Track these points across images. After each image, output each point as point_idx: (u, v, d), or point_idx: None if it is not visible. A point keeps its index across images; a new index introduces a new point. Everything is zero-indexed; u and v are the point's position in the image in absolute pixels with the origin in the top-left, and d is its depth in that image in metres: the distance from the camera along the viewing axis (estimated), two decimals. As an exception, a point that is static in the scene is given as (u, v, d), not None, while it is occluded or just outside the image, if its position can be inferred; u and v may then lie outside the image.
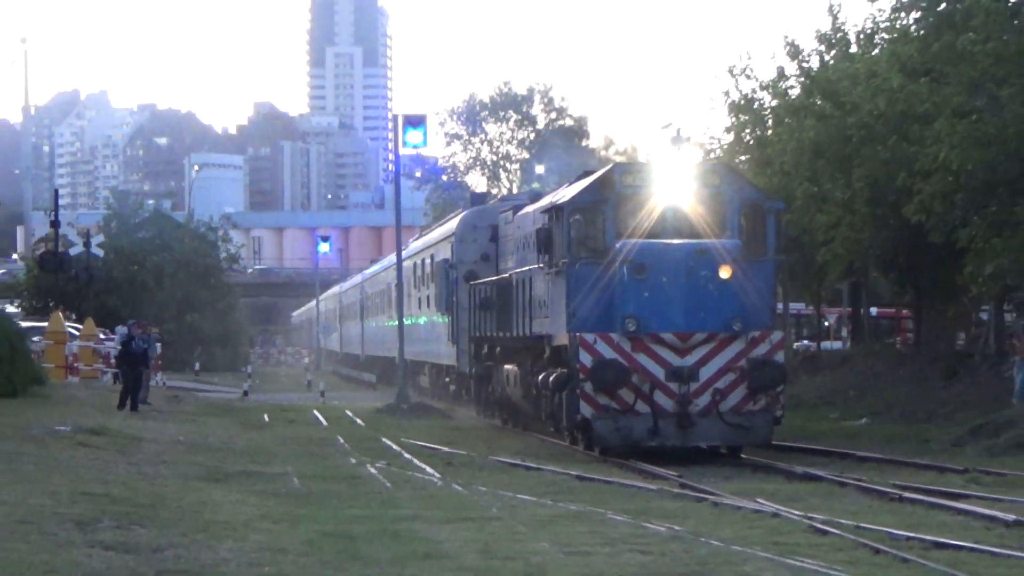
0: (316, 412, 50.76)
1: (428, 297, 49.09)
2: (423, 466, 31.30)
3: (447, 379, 47.53)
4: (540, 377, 27.62)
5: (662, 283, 24.71)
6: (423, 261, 52.20)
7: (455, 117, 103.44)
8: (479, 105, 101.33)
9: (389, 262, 63.02)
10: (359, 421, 47.28)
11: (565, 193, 28.68)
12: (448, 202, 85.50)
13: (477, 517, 22.01)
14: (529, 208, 34.93)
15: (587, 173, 35.39)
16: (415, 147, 59.31)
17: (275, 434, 40.11)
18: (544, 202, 30.69)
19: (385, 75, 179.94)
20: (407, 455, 34.04)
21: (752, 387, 24.07)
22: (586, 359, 23.50)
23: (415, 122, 56.21)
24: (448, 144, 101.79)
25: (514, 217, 36.64)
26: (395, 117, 62.63)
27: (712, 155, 59.88)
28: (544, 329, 27.98)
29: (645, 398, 23.31)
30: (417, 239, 62.18)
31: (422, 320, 50.73)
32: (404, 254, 54.32)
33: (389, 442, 37.82)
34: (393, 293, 55.23)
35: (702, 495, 24.94)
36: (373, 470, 30.02)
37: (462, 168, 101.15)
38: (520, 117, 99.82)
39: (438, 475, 29.32)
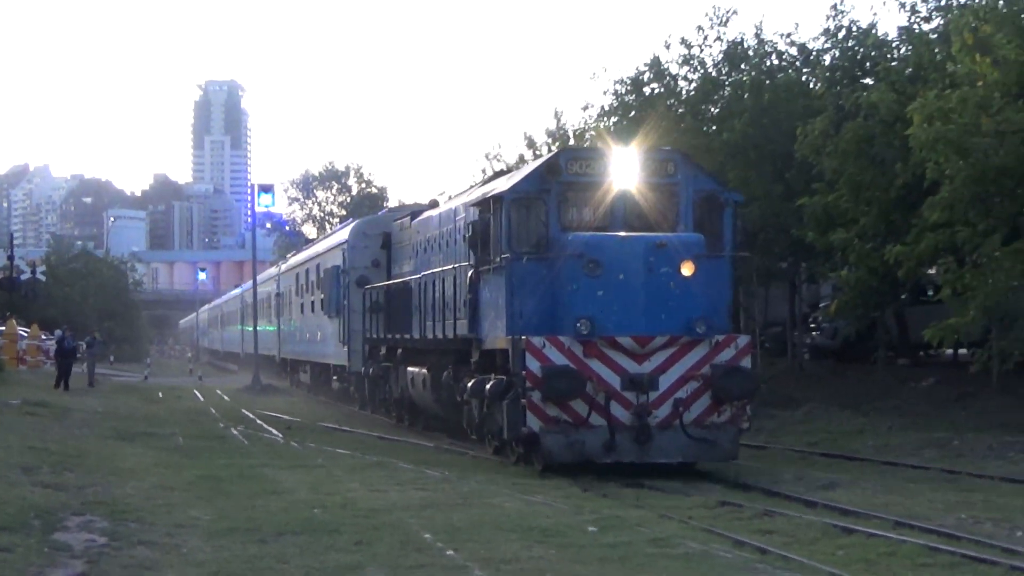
0: (196, 391, 61.58)
1: (315, 302, 48.59)
2: (270, 429, 37.27)
3: (334, 377, 46.17)
4: (469, 383, 25.16)
5: (618, 281, 21.79)
6: (307, 271, 53.44)
7: (295, 185, 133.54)
8: (311, 177, 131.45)
9: (268, 277, 77.47)
10: (226, 398, 56.55)
11: (501, 183, 25.85)
12: (289, 244, 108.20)
13: (307, 465, 26.11)
14: (432, 212, 32.65)
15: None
16: (266, 206, 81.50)
17: (166, 407, 47.60)
18: (470, 196, 28.29)
19: (246, 155, 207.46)
20: (259, 421, 40.45)
21: (717, 397, 21.51)
22: (534, 365, 21.01)
23: (266, 188, 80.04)
24: (289, 204, 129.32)
25: (412, 223, 34.39)
26: (252, 185, 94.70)
27: None
28: (470, 332, 25.50)
29: (600, 409, 20.82)
30: (296, 254, 69.94)
31: (309, 323, 51.42)
32: (288, 265, 65.51)
33: (247, 412, 44.95)
34: (272, 302, 70.08)
35: (463, 451, 29.40)
36: (235, 432, 35.73)
37: (299, 221, 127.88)
38: (339, 186, 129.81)
39: (280, 435, 34.89)
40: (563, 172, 22.96)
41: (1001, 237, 29.31)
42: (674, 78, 47.66)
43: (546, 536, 16.01)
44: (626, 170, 22.28)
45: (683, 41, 47.11)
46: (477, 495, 20.49)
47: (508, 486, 21.67)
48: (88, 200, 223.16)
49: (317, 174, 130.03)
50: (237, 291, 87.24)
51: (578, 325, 20.97)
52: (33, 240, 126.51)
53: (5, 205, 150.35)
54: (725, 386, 21.10)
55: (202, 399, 52.43)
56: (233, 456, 27.16)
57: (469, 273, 24.86)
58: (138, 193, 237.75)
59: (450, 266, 27.08)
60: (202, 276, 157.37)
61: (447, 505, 19.01)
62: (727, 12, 46.07)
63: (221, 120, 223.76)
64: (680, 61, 47.62)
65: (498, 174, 38.22)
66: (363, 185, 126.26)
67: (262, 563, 13.74)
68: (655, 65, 48.53)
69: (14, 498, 17.81)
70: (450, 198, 35.13)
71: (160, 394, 54.69)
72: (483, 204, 24.15)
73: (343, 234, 42.70)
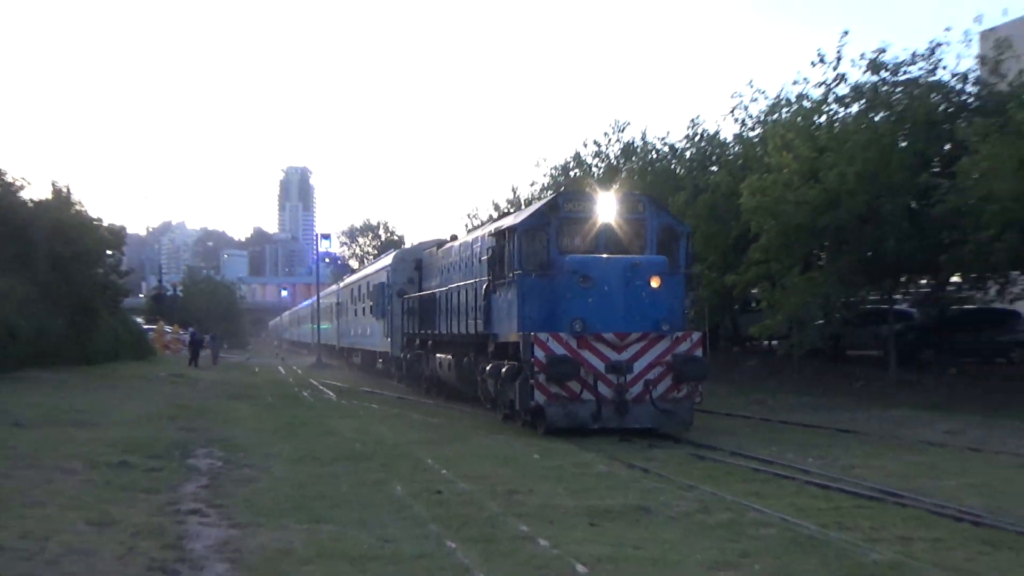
0: (280, 368, 63.92)
1: (365, 308, 47.41)
2: (328, 392, 37.98)
3: (379, 360, 45.65)
4: (487, 367, 24.04)
5: (604, 291, 20.54)
6: (359, 287, 52.66)
7: (344, 234, 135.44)
8: (355, 229, 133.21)
9: (329, 292, 75.93)
10: (299, 372, 58.39)
11: (510, 219, 24.86)
12: (340, 272, 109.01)
13: (352, 415, 27.22)
14: (451, 244, 31.44)
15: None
16: (325, 248, 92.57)
17: (261, 378, 51.01)
18: (484, 231, 26.84)
19: (312, 214, 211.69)
20: (320, 387, 41.08)
21: (677, 378, 20.36)
22: (540, 354, 19.96)
23: (325, 236, 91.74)
24: (341, 246, 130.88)
25: (437, 251, 33.45)
26: (316, 235, 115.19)
27: None
28: (486, 329, 23.99)
29: (589, 388, 19.79)
30: (349, 276, 69.96)
31: (360, 322, 50.29)
32: (344, 283, 64.14)
33: (313, 381, 45.71)
34: (333, 309, 66.66)
35: (454, 407, 29.50)
36: (305, 394, 36.42)
37: (346, 257, 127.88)
38: (372, 234, 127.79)
39: (335, 396, 35.54)
40: (561, 209, 22.02)
41: (798, 270, 33.28)
42: (589, 166, 52.06)
43: (506, 461, 16.99)
44: (608, 208, 21.47)
45: (595, 142, 52.21)
46: (462, 436, 22.03)
47: (487, 428, 23.42)
48: (210, 244, 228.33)
49: (359, 226, 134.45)
50: (307, 302, 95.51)
51: (573, 324, 20.12)
52: (175, 270, 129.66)
53: (156, 247, 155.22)
54: (683, 370, 20.17)
55: (283, 372, 56.33)
56: (303, 409, 29.01)
57: (485, 286, 24.00)
58: (242, 239, 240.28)
59: (469, 281, 26.15)
60: (284, 293, 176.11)
61: (442, 442, 20.28)
62: (623, 123, 50.36)
63: (296, 192, 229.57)
64: (592, 154, 52.56)
65: (503, 215, 40.93)
66: (388, 233, 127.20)
67: (322, 479, 14.81)
68: (576, 157, 54.34)
69: (163, 437, 19.80)
70: (468, 232, 34.84)
71: (256, 369, 59.80)
72: (499, 234, 23.23)
73: (387, 260, 42.66)
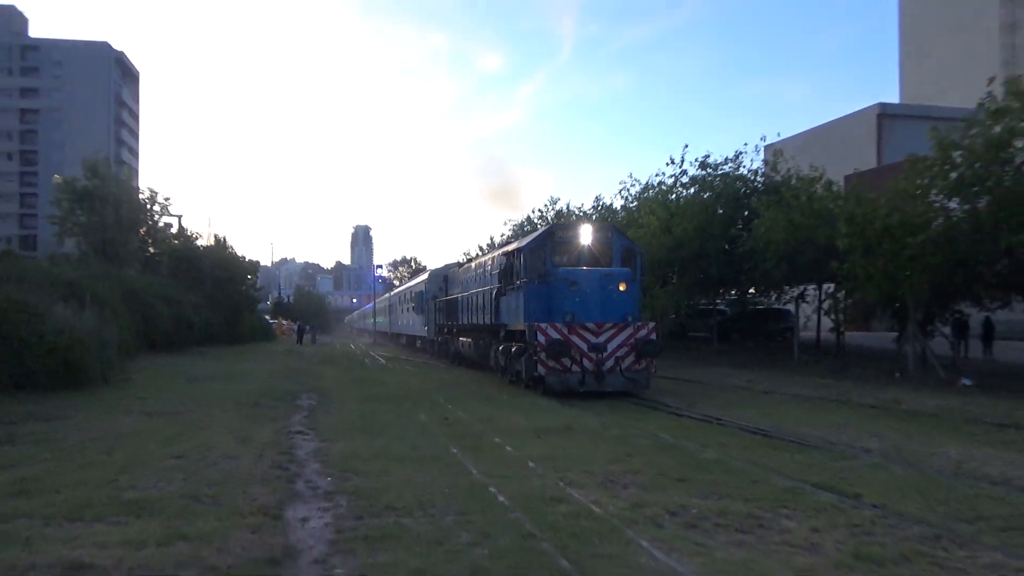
0: (352, 345, 59.74)
1: (410, 307, 43.42)
2: (380, 359, 36.56)
3: (418, 342, 41.77)
4: (500, 347, 21.58)
5: (586, 293, 18.61)
6: (404, 294, 48.61)
7: (389, 265, 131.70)
8: (397, 261, 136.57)
9: (384, 298, 69.36)
10: (364, 348, 54.81)
11: (516, 244, 22.28)
12: (389, 287, 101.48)
13: (395, 371, 27.48)
14: (468, 264, 29.12)
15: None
16: (379, 274, 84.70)
17: (340, 352, 46.59)
18: (496, 252, 24.17)
19: (372, 254, 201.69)
20: (377, 357, 38.84)
21: (638, 355, 18.20)
22: (541, 338, 17.93)
23: (379, 266, 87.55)
24: (388, 272, 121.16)
25: (459, 269, 30.69)
26: (374, 266, 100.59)
27: None
28: (498, 320, 21.56)
29: (577, 362, 17.81)
30: (396, 289, 63.36)
31: (406, 317, 45.87)
32: (394, 292, 59.36)
33: (372, 353, 43.96)
34: (387, 309, 61.25)
35: (465, 371, 27.09)
36: (366, 361, 35.19)
37: (392, 279, 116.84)
38: (406, 264, 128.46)
39: (385, 361, 34.21)
40: (555, 235, 19.77)
41: (658, 285, 33.75)
42: (536, 225, 47.72)
43: (488, 401, 16.99)
44: (587, 234, 19.36)
45: (539, 210, 49.65)
46: (463, 386, 21.10)
47: (480, 384, 21.86)
48: (310, 271, 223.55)
49: (399, 259, 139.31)
50: (368, 306, 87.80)
51: (565, 317, 18.05)
52: (288, 287, 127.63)
53: (277, 273, 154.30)
54: (643, 349, 17.91)
55: (353, 348, 52.95)
56: (364, 370, 28.38)
57: (495, 291, 21.60)
58: (329, 267, 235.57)
59: (484, 288, 23.56)
60: (354, 300, 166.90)
61: (450, 390, 19.71)
62: (556, 198, 52.24)
63: (361, 239, 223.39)
64: (538, 218, 48.69)
65: (508, 241, 38.77)
66: (416, 264, 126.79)
67: (377, 412, 14.70)
68: (528, 219, 49.68)
69: (281, 387, 19.66)
70: (479, 256, 31.29)
71: (337, 346, 56.68)
72: (509, 254, 20.88)
73: (424, 276, 39.16)
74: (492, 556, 5.93)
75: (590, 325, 18.17)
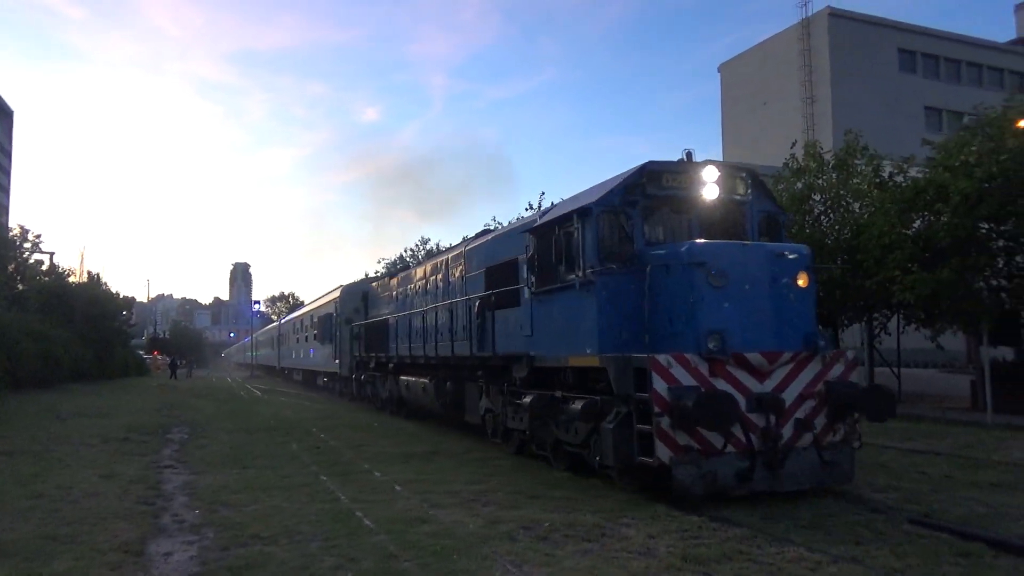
0: (229, 379, 54.73)
1: (307, 336, 33.79)
2: (257, 392, 33.83)
3: (323, 379, 31.00)
4: (527, 398, 10.48)
5: (744, 292, 8.52)
6: (301, 320, 37.85)
7: (266, 301, 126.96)
8: (274, 297, 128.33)
9: (267, 329, 62.23)
10: (240, 381, 50.81)
11: (561, 206, 10.67)
12: (267, 320, 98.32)
13: (270, 403, 25.53)
14: (411, 271, 17.98)
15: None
16: (257, 309, 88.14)
17: (216, 385, 43.48)
18: (481, 241, 13.43)
19: (251, 290, 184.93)
20: (253, 389, 36.52)
21: (832, 415, 8.55)
22: (661, 387, 7.87)
23: (256, 303, 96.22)
24: (266, 307, 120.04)
25: (389, 281, 19.99)
26: (252, 301, 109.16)
27: None
28: (485, 350, 12.05)
29: (736, 437, 8.15)
30: (286, 316, 53.61)
31: (303, 348, 35.76)
32: (285, 320, 48.71)
33: (248, 386, 40.56)
34: (273, 340, 51.46)
35: (400, 415, 19.27)
36: (242, 393, 33.23)
37: (269, 314, 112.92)
38: (283, 300, 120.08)
39: (260, 394, 31.58)
40: (650, 183, 9.71)
41: None
42: (407, 263, 42.32)
43: (359, 428, 16.20)
44: (708, 185, 9.80)
45: (410, 249, 45.64)
46: (337, 415, 19.78)
47: (355, 411, 19.85)
48: (187, 307, 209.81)
49: (277, 295, 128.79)
50: (247, 339, 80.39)
51: (707, 341, 8.34)
52: (165, 322, 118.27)
53: (154, 309, 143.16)
54: (841, 403, 8.67)
55: (230, 381, 50.01)
56: (239, 403, 26.51)
57: (478, 305, 12.35)
58: (207, 303, 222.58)
59: (450, 303, 14.02)
60: (232, 335, 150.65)
61: (323, 419, 18.68)
62: (426, 238, 47.64)
63: (240, 276, 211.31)
64: (409, 255, 44.95)
65: (393, 270, 27.73)
66: (294, 300, 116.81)
67: (250, 444, 13.99)
68: (401, 258, 44.53)
69: (152, 421, 18.17)
70: (424, 260, 20.38)
71: (214, 380, 52.44)
72: (560, 221, 9.88)
73: (334, 294, 27.95)
74: (355, 579, 5.86)
75: (754, 358, 8.50)
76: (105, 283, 46.74)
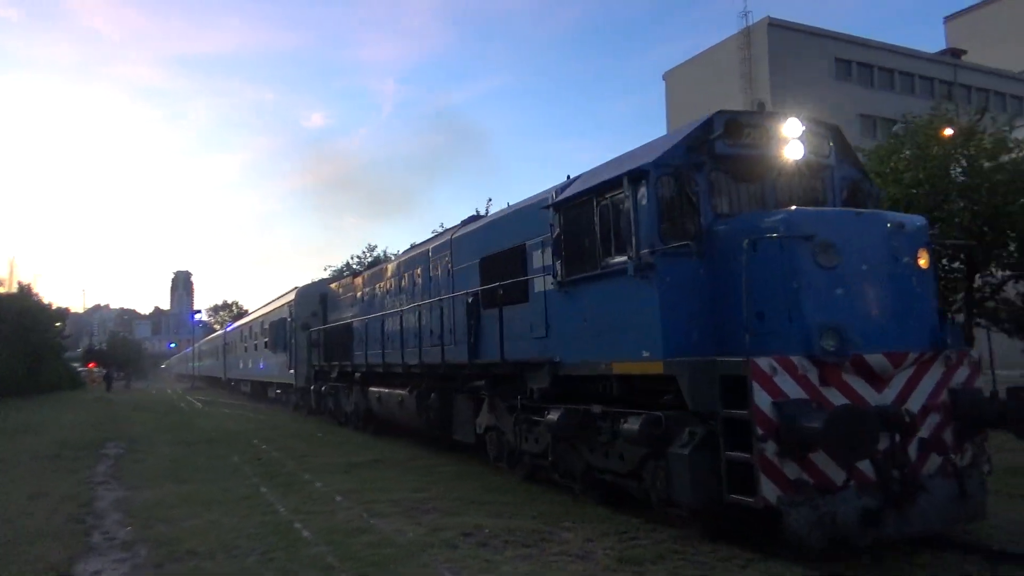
0: (168, 391, 53.13)
1: (257, 344, 30.14)
2: (197, 404, 32.48)
3: (277, 390, 27.32)
4: (551, 415, 8.06)
5: (860, 274, 5.96)
6: (251, 327, 33.22)
7: (209, 311, 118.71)
8: (217, 306, 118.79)
9: (212, 338, 56.99)
10: (181, 392, 49.21)
11: (624, 162, 7.49)
12: (208, 329, 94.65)
13: (210, 416, 24.43)
14: (369, 272, 16.47)
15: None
16: (199, 319, 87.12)
17: (155, 398, 41.56)
18: (474, 225, 11.31)
19: (192, 299, 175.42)
20: (194, 401, 34.95)
21: (959, 432, 6.09)
22: (764, 401, 5.48)
23: (197, 312, 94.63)
24: (209, 316, 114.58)
25: (353, 281, 17.65)
26: (193, 311, 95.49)
27: None
28: (478, 356, 10.05)
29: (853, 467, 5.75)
30: (233, 323, 49.67)
31: (252, 357, 31.77)
32: (232, 328, 43.49)
33: (190, 398, 38.58)
34: (218, 349, 45.92)
35: (368, 431, 16.37)
36: (182, 405, 32.05)
37: (212, 323, 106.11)
38: (226, 309, 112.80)
39: (201, 406, 30.41)
40: (719, 140, 6.92)
41: None
42: (353, 271, 39.10)
43: (302, 438, 15.85)
44: (791, 143, 7.02)
45: (357, 256, 39.50)
46: (280, 425, 19.24)
47: (292, 418, 19.51)
48: (126, 317, 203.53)
49: (220, 304, 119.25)
50: (188, 349, 77.91)
51: (819, 339, 5.83)
52: (103, 334, 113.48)
53: (91, 320, 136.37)
54: (971, 417, 6.19)
55: (170, 393, 48.01)
56: (180, 415, 25.72)
57: (470, 301, 10.36)
58: (147, 313, 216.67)
59: (425, 302, 12.16)
60: (173, 346, 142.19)
61: (265, 430, 18.15)
62: (373, 245, 44.67)
63: (182, 284, 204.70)
64: (356, 263, 39.69)
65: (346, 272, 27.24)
66: (237, 309, 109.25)
67: (189, 457, 13.59)
68: (348, 265, 38.33)
69: (86, 437, 17.33)
70: (400, 253, 17.78)
71: (153, 392, 50.51)
72: (601, 189, 7.38)
73: (289, 296, 24.93)
74: (292, 591, 5.72)
75: (875, 360, 6.25)
76: (37, 294, 45.11)
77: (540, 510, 8.08)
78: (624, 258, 7.29)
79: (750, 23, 48.67)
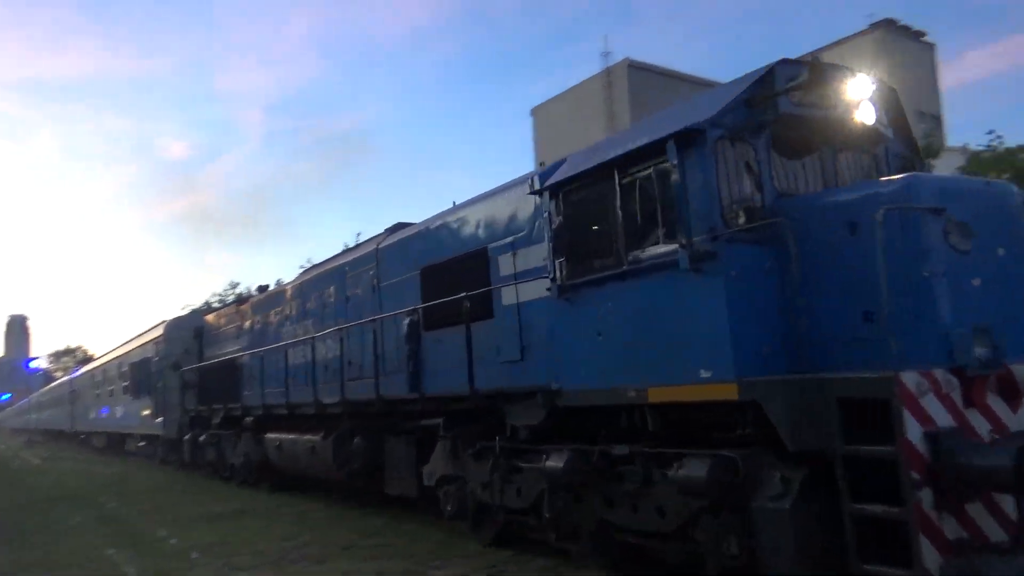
0: (3, 446, 46.66)
1: (114, 390, 25.65)
2: (33, 460, 29.23)
3: (140, 442, 22.73)
4: (547, 460, 6.22)
5: (996, 260, 4.41)
6: (104, 370, 28.23)
7: (48, 357, 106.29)
8: (59, 352, 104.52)
9: (57, 385, 46.91)
10: (16, 448, 42.16)
11: (666, 120, 5.51)
12: (49, 378, 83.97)
13: (47, 472, 21.30)
14: (270, 295, 13.92)
15: None
16: (36, 366, 78.87)
17: None
18: (419, 227, 9.03)
19: (29, 346, 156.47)
20: (30, 457, 31.25)
21: None
22: (915, 433, 3.85)
23: (33, 359, 77.27)
24: (47, 363, 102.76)
25: (239, 309, 15.30)
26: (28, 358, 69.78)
27: None
28: (422, 389, 8.02)
29: (1002, 512, 4.00)
30: (82, 366, 42.70)
31: (116, 404, 25.86)
32: (81, 372, 36.35)
33: (24, 454, 34.52)
34: (65, 397, 37.98)
35: (263, 485, 13.71)
36: (16, 462, 28.53)
37: (54, 371, 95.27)
38: (69, 355, 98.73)
39: (40, 462, 26.87)
40: (782, 98, 5.12)
41: None
42: (224, 304, 34.65)
43: (158, 491, 14.35)
44: (862, 104, 5.42)
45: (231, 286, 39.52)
46: (129, 478, 17.42)
47: (149, 472, 17.92)
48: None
49: (62, 350, 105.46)
50: (24, 401, 70.28)
51: (964, 345, 4.16)
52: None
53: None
54: None
55: (3, 448, 42.36)
56: (11, 473, 23.02)
57: (408, 323, 8.32)
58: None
59: (345, 326, 9.84)
60: (6, 397, 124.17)
61: (112, 486, 16.24)
62: (236, 282, 40.74)
63: (18, 330, 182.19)
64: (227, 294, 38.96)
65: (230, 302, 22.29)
66: (84, 354, 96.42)
67: (21, 520, 12.04)
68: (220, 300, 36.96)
69: None
70: (310, 269, 13.48)
71: None
72: (635, 158, 5.45)
73: (155, 332, 21.01)
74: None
75: (1021, 372, 4.68)
76: None
77: (411, 551, 7.79)
78: (668, 248, 5.43)
79: (610, 63, 52.28)
